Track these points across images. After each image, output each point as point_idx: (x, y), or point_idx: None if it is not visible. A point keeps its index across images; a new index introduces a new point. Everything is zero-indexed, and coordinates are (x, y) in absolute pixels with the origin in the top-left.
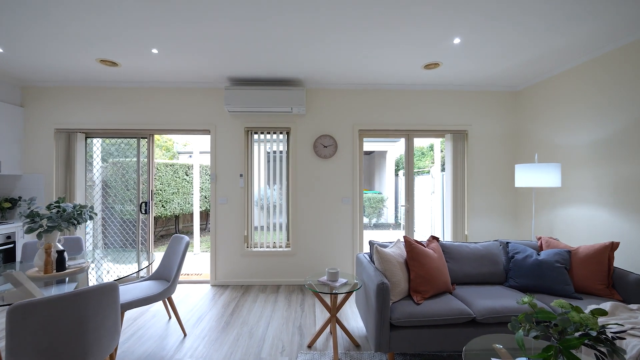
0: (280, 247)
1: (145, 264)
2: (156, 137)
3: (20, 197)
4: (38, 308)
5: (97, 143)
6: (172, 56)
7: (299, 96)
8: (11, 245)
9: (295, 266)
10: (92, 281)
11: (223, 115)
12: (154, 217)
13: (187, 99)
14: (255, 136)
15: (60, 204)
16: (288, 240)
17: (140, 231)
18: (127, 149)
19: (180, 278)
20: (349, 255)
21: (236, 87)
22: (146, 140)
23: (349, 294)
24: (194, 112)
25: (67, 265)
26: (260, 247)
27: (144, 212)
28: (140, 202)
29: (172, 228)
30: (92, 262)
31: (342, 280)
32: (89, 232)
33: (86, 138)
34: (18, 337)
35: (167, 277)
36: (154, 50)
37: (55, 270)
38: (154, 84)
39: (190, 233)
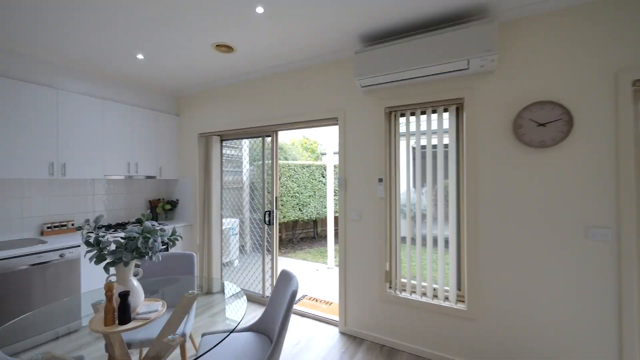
0: (446, 298)
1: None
2: (303, 139)
3: (177, 200)
4: None
5: (244, 144)
6: (281, 18)
7: (485, 36)
8: None
9: (474, 338)
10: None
11: (354, 95)
12: (293, 220)
13: (308, 81)
14: (402, 120)
15: (143, 224)
16: (459, 289)
17: (265, 243)
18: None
19: (306, 307)
20: (596, 334)
21: (371, 48)
22: (270, 138)
23: None
24: (317, 97)
25: (132, 316)
26: (412, 294)
27: (267, 222)
28: (265, 210)
29: (311, 231)
30: (196, 295)
31: None
32: (236, 234)
33: (221, 141)
34: None
35: (270, 333)
36: (259, 10)
37: (117, 322)
38: (268, 70)
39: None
